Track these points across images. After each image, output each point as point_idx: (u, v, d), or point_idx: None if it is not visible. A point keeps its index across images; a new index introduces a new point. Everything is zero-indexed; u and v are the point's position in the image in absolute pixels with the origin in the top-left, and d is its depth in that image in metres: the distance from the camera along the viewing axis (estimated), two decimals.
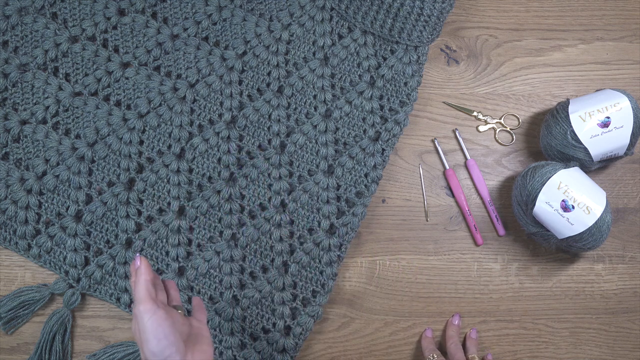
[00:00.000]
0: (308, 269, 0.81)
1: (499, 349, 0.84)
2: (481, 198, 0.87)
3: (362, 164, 0.84)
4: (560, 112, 0.83)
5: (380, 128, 0.86)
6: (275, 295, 0.80)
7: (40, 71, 0.84)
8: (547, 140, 0.84)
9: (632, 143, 0.83)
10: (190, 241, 0.82)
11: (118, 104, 0.85)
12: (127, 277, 0.80)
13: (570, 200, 0.78)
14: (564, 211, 0.78)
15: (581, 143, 0.81)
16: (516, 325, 0.85)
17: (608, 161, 0.85)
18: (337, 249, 0.82)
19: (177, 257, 0.81)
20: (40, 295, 0.79)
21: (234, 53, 0.86)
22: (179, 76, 0.86)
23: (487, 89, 0.91)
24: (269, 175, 0.83)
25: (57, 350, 0.78)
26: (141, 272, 0.59)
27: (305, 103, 0.86)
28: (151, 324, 0.56)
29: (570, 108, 0.83)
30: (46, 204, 0.81)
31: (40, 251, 0.80)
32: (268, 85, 0.86)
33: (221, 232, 0.82)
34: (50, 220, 0.81)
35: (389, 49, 0.87)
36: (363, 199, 0.83)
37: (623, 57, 0.93)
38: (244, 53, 0.87)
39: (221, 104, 0.85)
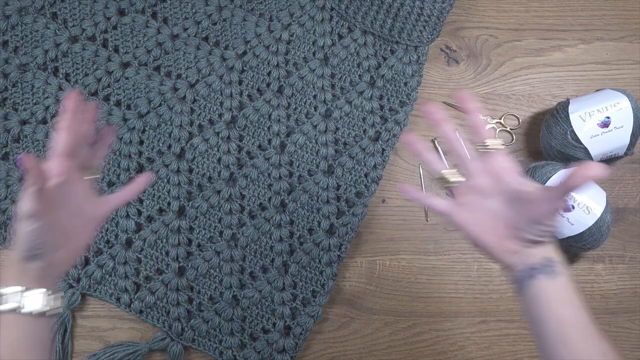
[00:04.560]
0: (308, 269, 0.81)
1: (499, 349, 0.84)
2: None
3: (362, 164, 0.84)
4: (560, 112, 0.83)
5: (380, 128, 0.86)
6: (275, 296, 0.80)
7: (40, 71, 0.84)
8: (547, 140, 0.84)
9: (632, 143, 0.83)
10: (190, 241, 0.82)
11: (118, 104, 0.85)
12: (127, 277, 0.80)
13: (570, 200, 0.78)
14: (564, 211, 0.78)
15: (581, 143, 0.81)
16: (516, 325, 0.85)
17: (608, 161, 0.85)
18: (337, 249, 0.82)
19: (177, 257, 0.81)
20: None
21: (234, 53, 0.86)
22: (179, 76, 0.86)
23: (487, 89, 0.91)
24: (269, 175, 0.83)
25: (57, 350, 0.78)
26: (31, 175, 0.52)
27: (305, 103, 0.86)
28: (26, 231, 0.53)
29: (570, 108, 0.83)
30: None
31: None
32: (268, 85, 0.86)
33: (221, 232, 0.82)
34: None
35: (389, 49, 0.87)
36: (363, 199, 0.83)
37: (623, 57, 0.93)
38: (244, 53, 0.87)
39: (221, 104, 0.85)
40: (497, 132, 0.89)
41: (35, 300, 0.54)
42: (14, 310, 0.53)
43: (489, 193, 0.59)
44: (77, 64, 0.85)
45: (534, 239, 0.57)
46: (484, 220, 0.59)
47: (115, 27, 0.86)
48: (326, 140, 0.85)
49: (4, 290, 0.53)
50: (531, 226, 0.57)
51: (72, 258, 0.59)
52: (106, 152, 0.63)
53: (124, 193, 0.63)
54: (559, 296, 0.57)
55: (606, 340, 0.56)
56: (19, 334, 0.53)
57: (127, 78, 0.85)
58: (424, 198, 0.61)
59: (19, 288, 0.53)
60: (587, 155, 0.81)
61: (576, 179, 0.53)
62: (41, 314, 0.54)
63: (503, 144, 0.60)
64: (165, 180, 0.82)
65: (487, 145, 0.60)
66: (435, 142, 0.88)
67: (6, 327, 0.53)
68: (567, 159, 0.83)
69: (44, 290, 0.54)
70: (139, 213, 0.82)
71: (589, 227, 0.78)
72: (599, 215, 0.78)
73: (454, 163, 0.62)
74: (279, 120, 0.85)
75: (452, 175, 0.61)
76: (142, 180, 0.64)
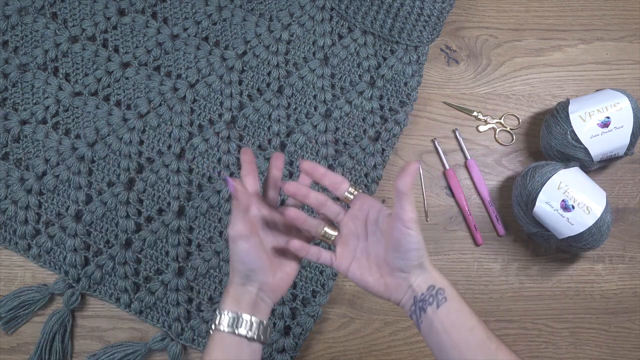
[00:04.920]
0: (308, 269, 0.81)
1: None
2: (481, 198, 0.87)
3: (362, 164, 0.84)
4: (560, 112, 0.83)
5: (380, 128, 0.85)
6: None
7: (40, 71, 0.84)
8: (547, 140, 0.84)
9: (632, 143, 0.83)
10: (190, 241, 0.82)
11: (118, 104, 0.85)
12: (126, 277, 0.80)
13: (570, 200, 0.78)
14: (564, 211, 0.78)
15: (581, 143, 0.81)
16: (516, 325, 0.85)
17: (608, 161, 0.85)
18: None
19: (177, 257, 0.81)
20: (40, 295, 0.79)
21: (234, 53, 0.86)
22: (179, 76, 0.86)
23: (487, 89, 0.91)
24: None
25: (57, 350, 0.78)
26: (237, 196, 0.56)
27: (305, 103, 0.86)
28: (240, 250, 0.58)
29: (570, 108, 0.82)
30: (46, 204, 0.81)
31: (40, 251, 0.80)
32: (268, 85, 0.86)
33: (221, 232, 0.82)
34: (50, 220, 0.81)
35: (389, 49, 0.87)
36: None
37: (623, 57, 0.93)
38: (244, 53, 0.87)
39: (221, 104, 0.85)
40: (497, 132, 0.90)
41: (253, 326, 0.59)
42: (234, 332, 0.58)
43: (362, 236, 0.61)
44: (77, 64, 0.85)
45: (404, 265, 0.58)
46: (362, 263, 0.61)
47: (115, 27, 0.86)
48: (326, 140, 0.85)
49: (226, 312, 0.59)
50: (395, 252, 0.58)
51: (282, 287, 0.62)
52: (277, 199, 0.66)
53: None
54: (451, 322, 0.57)
55: (505, 349, 0.57)
56: (235, 354, 0.59)
57: (127, 78, 0.85)
58: (310, 251, 0.61)
59: (248, 317, 0.59)
60: (587, 155, 0.81)
61: (400, 182, 0.55)
62: (255, 340, 0.59)
63: (360, 190, 0.63)
64: (165, 180, 0.82)
65: (348, 196, 0.62)
66: (435, 142, 0.88)
67: (223, 347, 0.59)
68: (567, 159, 0.83)
69: (259, 319, 0.59)
70: (139, 213, 0.82)
71: (589, 227, 0.78)
72: (599, 215, 0.78)
73: (330, 218, 0.64)
74: (279, 120, 0.85)
75: (331, 230, 0.63)
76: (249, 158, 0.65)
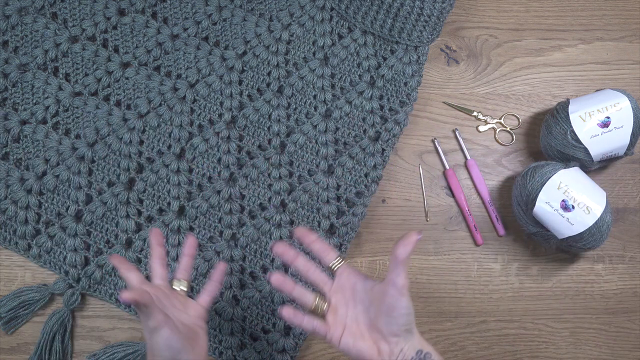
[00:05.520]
0: None
1: (499, 349, 0.84)
2: (481, 198, 0.87)
3: (362, 164, 0.84)
4: (560, 112, 0.83)
5: (380, 128, 0.85)
6: (275, 296, 0.80)
7: (40, 71, 0.84)
8: (547, 140, 0.84)
9: (632, 143, 0.83)
10: None
11: (118, 104, 0.85)
12: None
13: (570, 200, 0.78)
14: (564, 211, 0.78)
15: (581, 143, 0.81)
16: (516, 325, 0.85)
17: (608, 161, 0.85)
18: (337, 249, 0.82)
19: (177, 257, 0.81)
20: (40, 295, 0.79)
21: (234, 53, 0.86)
22: (179, 76, 0.86)
23: (487, 89, 0.91)
24: (269, 175, 0.83)
25: (57, 350, 0.78)
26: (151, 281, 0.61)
27: (305, 103, 0.86)
28: (162, 338, 0.60)
29: (570, 108, 0.83)
30: (46, 204, 0.81)
31: (40, 251, 0.80)
32: (268, 85, 0.86)
33: (221, 232, 0.82)
34: (50, 220, 0.81)
35: (389, 49, 0.87)
36: (363, 199, 0.83)
37: (623, 57, 0.93)
38: (244, 53, 0.87)
39: (221, 104, 0.85)
40: (497, 132, 0.90)
41: None
42: None
43: (350, 304, 0.63)
44: (77, 64, 0.85)
45: (396, 329, 0.60)
46: (353, 330, 0.62)
47: (115, 27, 0.86)
48: (326, 140, 0.85)
49: None
50: (388, 317, 0.60)
51: (204, 351, 0.64)
52: (191, 264, 0.69)
53: (208, 289, 0.68)
54: None
55: None
56: None
57: (127, 78, 0.85)
58: (304, 320, 0.63)
59: None
60: (587, 155, 0.81)
61: (400, 250, 0.58)
62: None
63: (341, 259, 0.64)
64: (165, 180, 0.82)
65: (334, 266, 0.64)
66: (435, 142, 0.88)
67: None
68: (567, 159, 0.83)
69: None
70: (139, 213, 0.82)
71: (589, 227, 0.78)
72: (599, 215, 0.78)
73: (317, 290, 0.65)
74: (279, 120, 0.85)
75: (322, 302, 0.64)
76: (218, 274, 0.69)
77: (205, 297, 0.68)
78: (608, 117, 0.81)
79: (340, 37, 0.88)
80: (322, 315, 0.64)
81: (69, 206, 0.81)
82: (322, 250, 0.65)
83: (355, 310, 0.63)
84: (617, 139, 0.82)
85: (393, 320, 0.59)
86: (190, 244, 0.69)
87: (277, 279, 0.64)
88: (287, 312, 0.62)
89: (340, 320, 0.63)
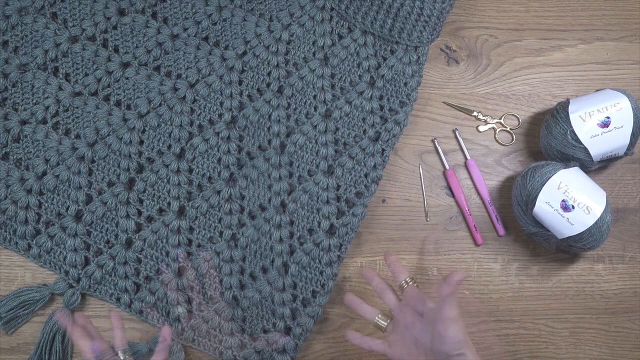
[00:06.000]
0: (308, 269, 0.81)
1: (499, 349, 0.84)
2: (481, 198, 0.87)
3: (362, 164, 0.84)
4: (560, 112, 0.83)
5: (380, 128, 0.85)
6: (275, 296, 0.80)
7: (40, 71, 0.84)
8: (547, 140, 0.84)
9: (632, 143, 0.83)
10: (190, 241, 0.82)
11: (118, 104, 0.85)
12: (127, 277, 0.80)
13: (570, 200, 0.78)
14: (564, 211, 0.78)
15: (581, 143, 0.81)
16: (516, 325, 0.85)
17: (608, 161, 0.85)
18: (337, 250, 0.82)
19: (177, 257, 0.81)
20: (40, 295, 0.79)
21: (234, 53, 0.86)
22: (179, 76, 0.86)
23: (487, 89, 0.91)
24: (269, 175, 0.83)
25: (57, 350, 0.78)
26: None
27: (305, 103, 0.86)
28: None
29: (570, 108, 0.83)
30: (46, 204, 0.81)
31: (40, 251, 0.80)
32: (268, 85, 0.86)
33: (221, 233, 0.82)
34: (50, 220, 0.81)
35: (389, 49, 0.87)
36: (363, 199, 0.83)
37: (623, 57, 0.93)
38: (244, 53, 0.87)
39: (221, 104, 0.85)
40: (497, 132, 0.90)
41: None
42: None
43: (410, 326, 0.69)
44: (77, 64, 0.85)
45: (448, 351, 0.64)
46: (411, 350, 0.68)
47: (115, 27, 0.86)
48: (326, 141, 0.85)
49: None
50: (440, 342, 0.64)
51: None
52: (124, 333, 0.72)
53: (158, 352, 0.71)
54: None
55: None
56: None
57: (127, 78, 0.85)
58: (365, 341, 0.71)
59: None
60: (587, 155, 0.81)
61: (446, 289, 0.64)
62: None
63: (415, 284, 0.72)
64: (165, 180, 0.82)
65: (405, 285, 0.71)
66: (435, 142, 0.88)
67: None
68: (567, 159, 0.83)
69: None
70: (139, 213, 0.82)
71: (589, 227, 0.78)
72: (599, 215, 0.78)
73: (385, 309, 0.73)
74: (278, 120, 0.85)
75: (383, 319, 0.72)
76: (163, 341, 0.71)
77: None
78: (608, 117, 0.81)
79: (340, 37, 0.88)
80: (383, 331, 0.72)
81: (69, 206, 0.81)
82: (396, 270, 0.73)
83: (414, 331, 0.68)
84: (617, 139, 0.82)
85: (444, 347, 0.64)
86: (115, 316, 0.72)
87: (349, 299, 0.74)
88: (353, 335, 0.72)
89: (403, 340, 0.69)
